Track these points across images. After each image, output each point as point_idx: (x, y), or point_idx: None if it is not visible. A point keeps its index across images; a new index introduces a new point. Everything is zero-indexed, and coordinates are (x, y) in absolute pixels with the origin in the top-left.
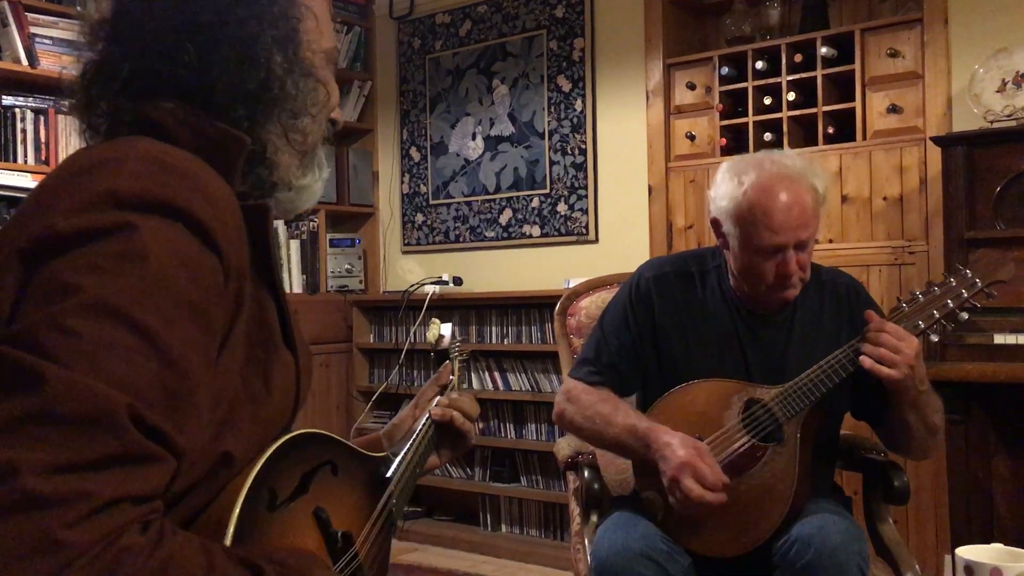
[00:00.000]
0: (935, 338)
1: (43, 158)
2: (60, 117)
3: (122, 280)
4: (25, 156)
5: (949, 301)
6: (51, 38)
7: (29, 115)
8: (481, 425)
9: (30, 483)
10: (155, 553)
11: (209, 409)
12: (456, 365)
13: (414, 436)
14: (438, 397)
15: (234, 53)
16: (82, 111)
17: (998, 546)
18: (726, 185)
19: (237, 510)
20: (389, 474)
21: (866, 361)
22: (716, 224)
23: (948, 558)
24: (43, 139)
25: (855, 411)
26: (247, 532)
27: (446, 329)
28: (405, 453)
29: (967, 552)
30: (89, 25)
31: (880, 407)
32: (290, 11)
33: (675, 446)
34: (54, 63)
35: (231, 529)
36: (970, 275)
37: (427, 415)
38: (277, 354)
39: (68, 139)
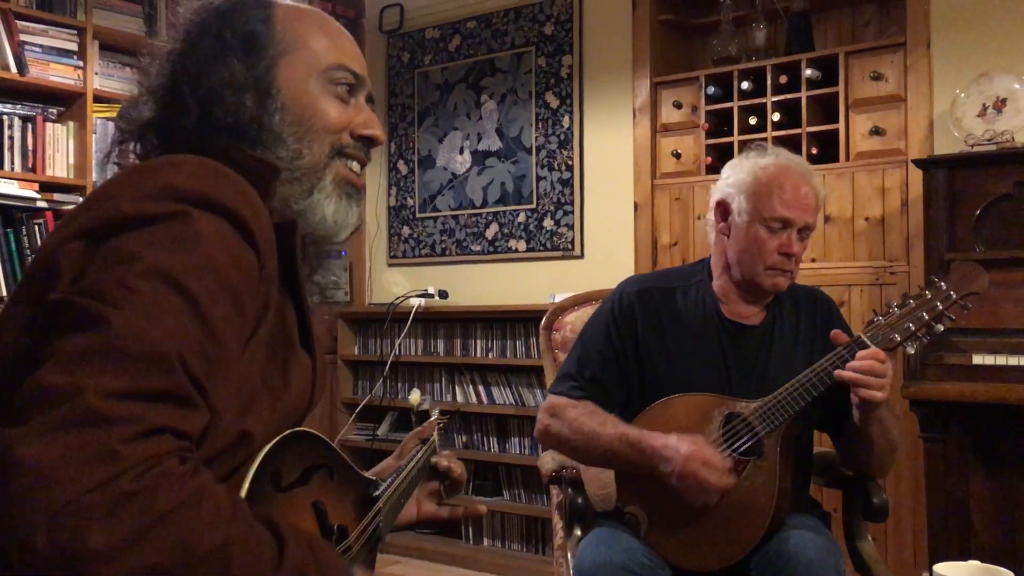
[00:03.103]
0: (911, 350)
1: (30, 165)
2: (48, 125)
3: (177, 255)
4: (12, 163)
5: (924, 313)
6: (40, 46)
7: (17, 122)
8: (464, 439)
9: (93, 402)
10: (191, 481)
11: (234, 389)
12: (436, 433)
13: (407, 464)
14: (420, 447)
15: (216, 97)
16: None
17: (974, 563)
18: (744, 163)
19: (247, 483)
20: (377, 493)
21: (862, 390)
22: (722, 206)
23: (926, 575)
24: (31, 147)
25: (819, 422)
26: (254, 507)
27: (426, 400)
28: (395, 476)
29: (944, 569)
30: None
31: (842, 419)
32: (261, 63)
33: (674, 444)
34: (43, 71)
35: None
36: (945, 287)
37: (419, 451)
38: (296, 355)
39: (56, 147)
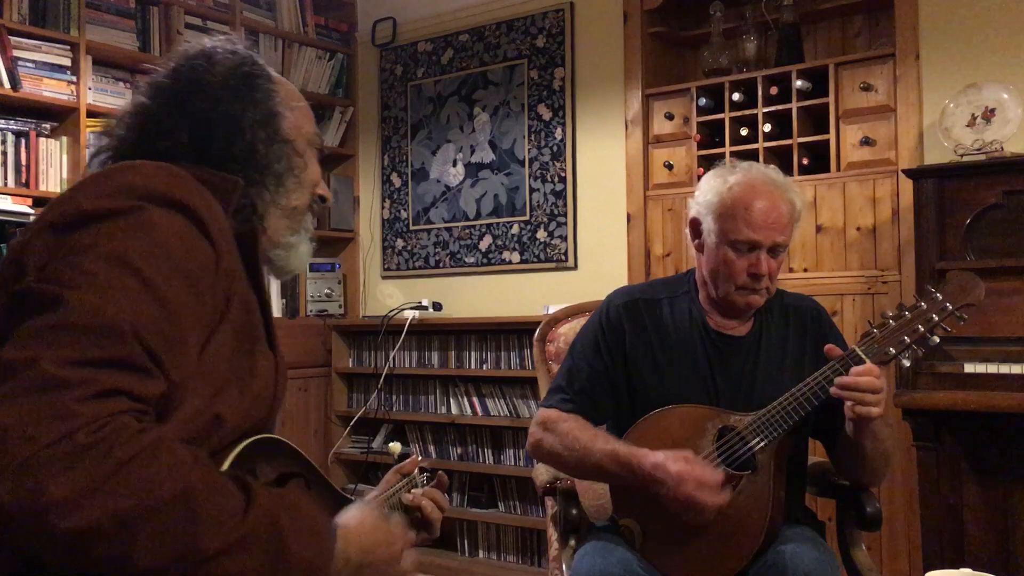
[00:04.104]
0: (907, 363)
1: (23, 181)
2: (41, 140)
3: (132, 242)
4: (5, 179)
5: (920, 325)
6: (33, 61)
7: (10, 138)
8: (459, 450)
9: (49, 369)
10: (146, 436)
11: (205, 375)
12: (417, 473)
13: (382, 495)
14: (401, 481)
15: (223, 127)
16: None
17: (967, 571)
18: (712, 182)
19: (226, 467)
20: None
21: (856, 406)
22: (695, 224)
23: None
24: (24, 162)
25: (813, 431)
26: None
27: (405, 450)
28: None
29: None
30: (120, 113)
31: (836, 430)
32: (268, 98)
33: (667, 464)
34: (36, 86)
35: None
36: (941, 298)
37: (390, 491)
38: (261, 349)
39: (49, 162)
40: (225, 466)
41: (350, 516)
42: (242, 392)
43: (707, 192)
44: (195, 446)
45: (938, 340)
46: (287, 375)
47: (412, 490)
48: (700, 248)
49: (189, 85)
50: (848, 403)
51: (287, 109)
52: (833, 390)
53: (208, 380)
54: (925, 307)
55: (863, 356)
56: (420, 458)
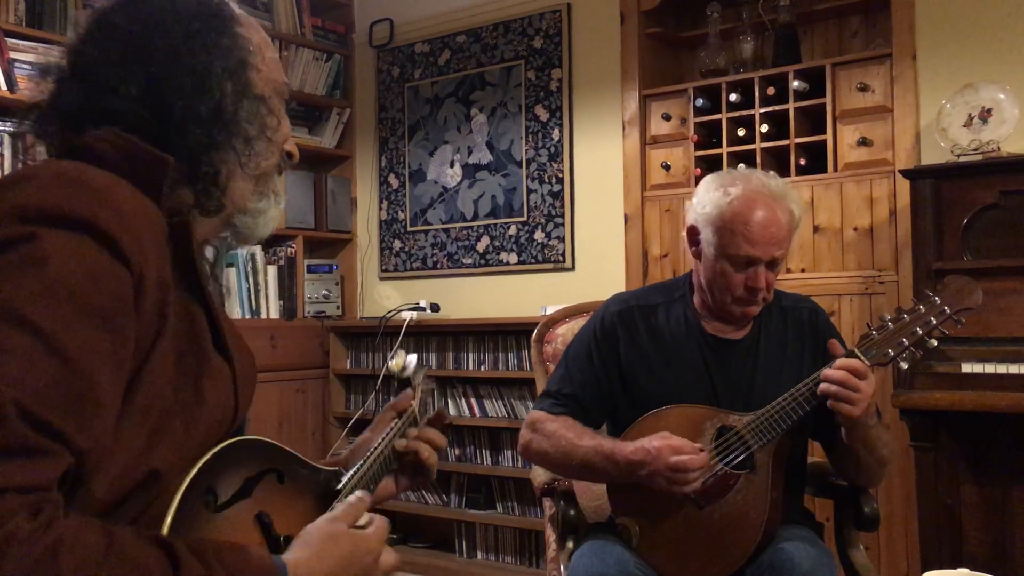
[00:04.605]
0: (904, 365)
1: None
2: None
3: (20, 284)
4: None
5: (918, 328)
6: (31, 63)
7: (7, 139)
8: (457, 451)
9: None
10: (43, 537)
11: (137, 418)
12: (419, 394)
13: (366, 455)
14: (395, 422)
15: (187, 82)
16: (37, 136)
17: (964, 571)
18: (711, 193)
19: (173, 508)
20: (340, 486)
21: (831, 400)
22: (692, 232)
23: None
24: (20, 164)
25: (812, 430)
26: (184, 532)
27: (411, 360)
28: (356, 470)
29: None
30: (46, 62)
31: (833, 431)
32: (238, 45)
33: (643, 445)
34: (33, 88)
35: (166, 528)
36: (939, 302)
37: (381, 438)
38: (209, 364)
39: None
40: (182, 489)
41: (304, 542)
42: (189, 426)
43: (705, 203)
44: (128, 504)
45: (935, 343)
46: (253, 376)
47: (408, 431)
48: (698, 256)
49: (142, 27)
50: (830, 401)
51: (259, 58)
52: (822, 386)
53: (141, 424)
54: (923, 310)
55: (861, 357)
56: (422, 376)
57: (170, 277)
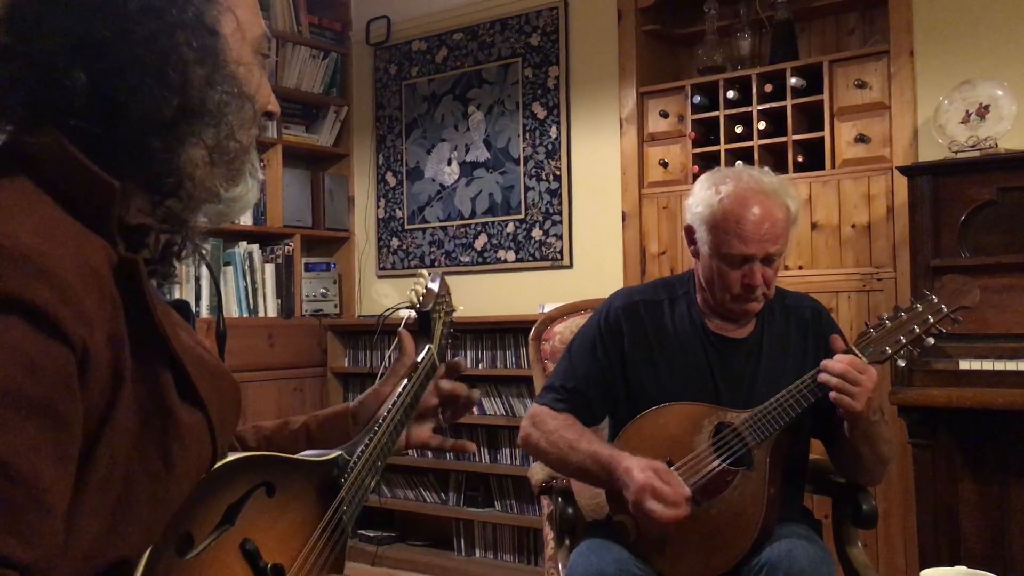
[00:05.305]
0: (902, 363)
1: None
2: None
3: None
4: None
5: (916, 327)
6: None
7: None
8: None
9: None
10: None
11: (94, 505)
12: (439, 330)
13: (373, 432)
14: (405, 381)
15: (146, 76)
16: None
17: (962, 569)
18: (704, 192)
19: (142, 566)
20: (344, 478)
21: (831, 391)
22: (689, 231)
23: None
24: None
25: (813, 428)
26: None
27: (434, 284)
28: (361, 452)
29: (932, 574)
30: None
31: (834, 428)
32: (207, 14)
33: (633, 471)
34: None
35: None
36: (936, 300)
37: (405, 387)
38: (175, 420)
39: None
40: (141, 565)
41: None
42: (154, 497)
43: (699, 203)
44: None
45: (933, 342)
46: (234, 418)
47: (423, 393)
48: (696, 255)
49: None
50: (832, 393)
51: (229, 17)
52: (822, 376)
53: (100, 502)
54: (921, 309)
55: (859, 354)
56: (441, 313)
57: (124, 331)
